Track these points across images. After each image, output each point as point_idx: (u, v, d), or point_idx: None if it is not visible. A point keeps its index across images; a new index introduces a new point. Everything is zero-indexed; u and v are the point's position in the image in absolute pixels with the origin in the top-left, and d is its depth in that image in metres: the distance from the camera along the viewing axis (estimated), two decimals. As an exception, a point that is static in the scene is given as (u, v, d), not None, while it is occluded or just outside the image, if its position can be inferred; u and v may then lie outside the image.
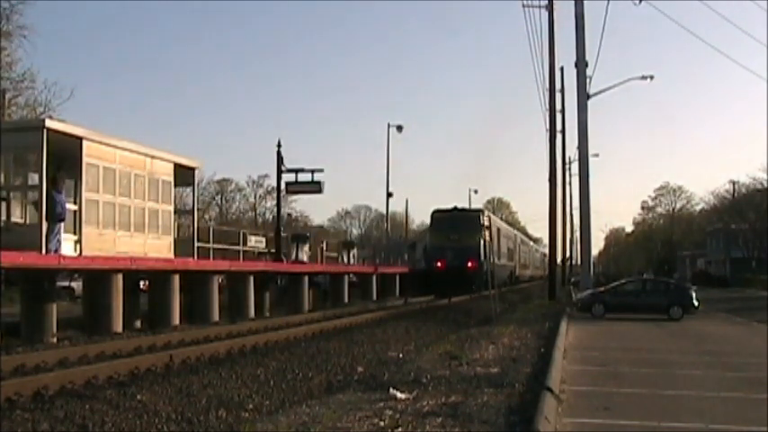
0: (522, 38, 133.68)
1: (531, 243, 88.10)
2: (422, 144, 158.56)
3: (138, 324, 21.17)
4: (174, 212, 24.54)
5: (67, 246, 19.03)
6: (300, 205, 76.99)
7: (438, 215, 42.02)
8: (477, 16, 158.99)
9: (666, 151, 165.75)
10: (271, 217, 76.26)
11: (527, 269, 68.17)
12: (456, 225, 39.57)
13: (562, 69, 44.01)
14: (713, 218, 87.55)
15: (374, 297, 38.39)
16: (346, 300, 35.33)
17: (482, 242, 33.02)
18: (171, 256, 22.95)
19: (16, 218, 19.78)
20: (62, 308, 20.40)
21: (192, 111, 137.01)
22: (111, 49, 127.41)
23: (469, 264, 37.96)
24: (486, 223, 31.41)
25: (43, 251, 17.56)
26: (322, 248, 40.71)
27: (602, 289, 30.35)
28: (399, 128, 49.57)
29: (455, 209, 42.19)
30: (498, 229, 46.90)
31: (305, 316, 26.13)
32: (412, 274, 43.01)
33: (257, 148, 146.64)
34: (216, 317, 23.38)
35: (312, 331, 19.55)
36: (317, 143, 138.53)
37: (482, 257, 35.51)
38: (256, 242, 33.63)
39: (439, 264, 39.20)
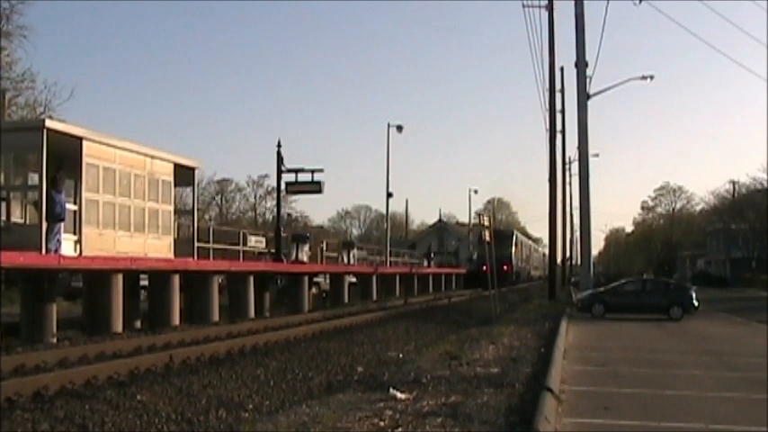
0: (522, 38, 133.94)
1: (540, 249, 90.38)
2: (422, 144, 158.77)
3: (138, 324, 21.18)
4: (174, 212, 24.50)
5: (67, 246, 19.03)
6: (300, 205, 76.91)
7: (484, 234, 59.87)
8: (477, 16, 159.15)
9: (666, 151, 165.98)
10: (271, 217, 76.18)
11: (537, 270, 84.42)
12: (496, 240, 52.70)
13: (562, 69, 44.09)
14: (713, 218, 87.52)
15: (374, 297, 38.43)
16: (346, 300, 35.34)
17: (511, 252, 55.68)
18: (171, 256, 22.94)
19: (16, 218, 19.76)
20: (62, 308, 20.40)
21: (192, 111, 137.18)
22: (111, 49, 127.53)
23: (505, 267, 54.49)
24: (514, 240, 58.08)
25: (43, 251, 17.56)
26: (322, 248, 40.69)
27: (602, 289, 30.36)
28: (399, 128, 49.44)
29: (495, 231, 60.48)
30: (521, 242, 69.45)
31: (305, 316, 26.12)
32: (466, 274, 61.36)
33: (257, 148, 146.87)
34: (216, 317, 23.38)
35: (312, 331, 19.54)
36: (317, 143, 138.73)
37: (512, 260, 58.24)
38: (256, 242, 33.54)
39: (484, 267, 54.50)
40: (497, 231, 62.35)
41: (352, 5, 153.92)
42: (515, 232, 68.34)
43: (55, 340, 16.64)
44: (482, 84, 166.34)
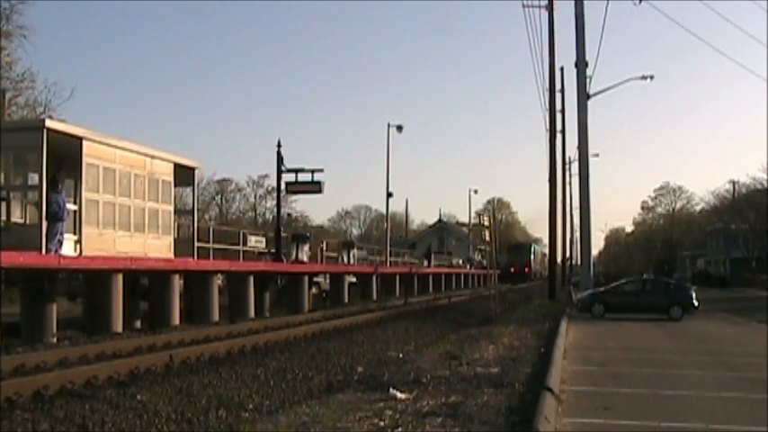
0: (522, 38, 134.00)
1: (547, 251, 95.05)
2: (422, 144, 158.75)
3: (138, 324, 21.17)
4: (174, 212, 24.50)
5: (68, 246, 19.02)
6: (300, 205, 76.83)
7: (511, 245, 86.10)
8: (477, 16, 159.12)
9: (666, 151, 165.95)
10: (271, 217, 76.10)
11: (545, 270, 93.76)
12: (519, 249, 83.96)
13: (562, 69, 44.15)
14: (713, 218, 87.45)
15: (374, 297, 38.42)
16: (346, 300, 35.33)
17: (530, 258, 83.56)
18: (171, 256, 22.94)
19: (16, 218, 19.76)
20: (62, 308, 20.39)
21: (191, 111, 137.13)
22: (111, 50, 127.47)
23: (526, 269, 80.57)
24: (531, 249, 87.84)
25: (43, 251, 17.56)
26: (322, 248, 40.68)
27: (602, 289, 30.35)
28: (399, 128, 49.35)
29: (519, 243, 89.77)
30: (536, 250, 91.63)
31: (305, 316, 26.10)
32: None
33: (257, 148, 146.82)
34: (216, 317, 23.37)
35: (312, 331, 19.53)
36: (317, 143, 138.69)
37: (531, 264, 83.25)
38: (256, 242, 33.53)
39: (512, 269, 75.50)
40: (520, 244, 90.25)
41: (351, 5, 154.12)
42: (533, 243, 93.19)
43: (55, 340, 16.64)
44: (482, 84, 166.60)
